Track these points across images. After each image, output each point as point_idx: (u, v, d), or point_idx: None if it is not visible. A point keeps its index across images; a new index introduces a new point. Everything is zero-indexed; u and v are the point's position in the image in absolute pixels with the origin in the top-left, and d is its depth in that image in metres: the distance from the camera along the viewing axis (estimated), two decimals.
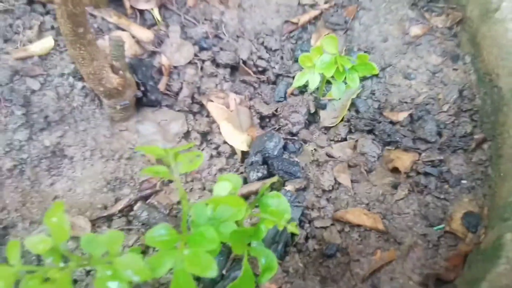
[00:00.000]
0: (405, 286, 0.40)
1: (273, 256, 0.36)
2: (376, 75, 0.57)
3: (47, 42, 0.55)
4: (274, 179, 0.41)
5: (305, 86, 0.56)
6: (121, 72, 0.51)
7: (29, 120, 0.51)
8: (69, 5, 0.41)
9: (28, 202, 0.48)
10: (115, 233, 0.29)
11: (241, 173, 0.52)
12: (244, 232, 0.34)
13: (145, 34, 0.58)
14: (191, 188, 0.50)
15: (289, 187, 0.49)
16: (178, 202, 0.49)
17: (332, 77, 0.47)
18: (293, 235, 0.45)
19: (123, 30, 0.58)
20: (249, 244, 0.36)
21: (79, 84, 0.54)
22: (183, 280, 0.29)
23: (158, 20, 0.60)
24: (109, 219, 0.47)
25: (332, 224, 0.46)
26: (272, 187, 0.42)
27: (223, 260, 0.43)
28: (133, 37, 0.58)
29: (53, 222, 0.29)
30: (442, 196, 0.46)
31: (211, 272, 0.29)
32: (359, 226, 0.45)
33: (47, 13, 0.57)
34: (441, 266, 0.40)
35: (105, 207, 0.48)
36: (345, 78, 0.47)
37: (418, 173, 0.47)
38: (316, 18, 0.62)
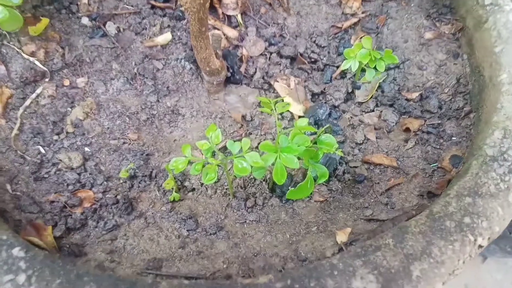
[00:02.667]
0: (408, 197, 0.63)
1: (325, 169, 0.59)
2: (398, 66, 0.79)
3: (166, 36, 0.80)
4: (327, 126, 0.65)
5: (345, 73, 0.80)
6: (220, 58, 0.76)
7: (156, 89, 0.76)
8: (200, 12, 0.65)
9: (158, 142, 0.73)
10: (245, 139, 0.53)
11: None
12: (310, 151, 0.57)
13: (232, 33, 0.83)
14: (265, 139, 0.74)
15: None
16: (256, 146, 0.73)
17: (366, 65, 0.71)
18: (334, 170, 0.69)
19: (217, 29, 0.82)
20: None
21: (188, 66, 0.78)
22: (280, 169, 0.53)
23: (240, 23, 0.84)
24: (212, 154, 0.72)
25: (361, 164, 0.69)
26: (324, 132, 0.65)
27: (289, 181, 0.67)
28: (224, 34, 0.82)
29: (211, 134, 0.54)
30: (438, 147, 0.68)
31: (296, 164, 0.53)
32: (380, 165, 0.68)
33: (165, 15, 0.83)
34: (433, 187, 0.63)
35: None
36: (376, 66, 0.70)
37: (423, 132, 0.70)
38: (355, 24, 0.85)
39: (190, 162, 0.55)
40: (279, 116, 0.76)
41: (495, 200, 0.53)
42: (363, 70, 0.75)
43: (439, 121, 0.70)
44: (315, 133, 0.73)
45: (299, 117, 0.76)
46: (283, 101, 0.59)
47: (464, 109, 0.71)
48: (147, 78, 0.76)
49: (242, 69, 0.81)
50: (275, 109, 0.57)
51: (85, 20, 0.79)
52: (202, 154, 0.56)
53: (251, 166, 0.52)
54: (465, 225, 0.51)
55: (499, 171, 0.56)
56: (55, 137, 0.69)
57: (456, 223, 0.51)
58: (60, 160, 0.66)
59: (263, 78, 0.80)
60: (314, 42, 0.84)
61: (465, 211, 0.52)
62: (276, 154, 0.53)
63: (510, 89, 0.63)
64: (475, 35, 0.74)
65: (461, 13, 0.78)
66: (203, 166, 0.53)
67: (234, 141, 0.54)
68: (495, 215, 0.52)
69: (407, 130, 0.71)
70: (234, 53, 0.81)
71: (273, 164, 0.53)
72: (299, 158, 0.56)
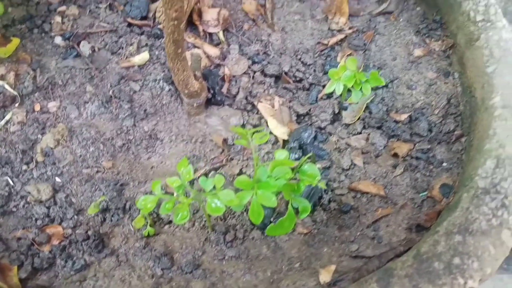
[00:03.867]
0: (396, 230, 0.59)
1: (308, 203, 0.56)
2: (386, 85, 0.76)
3: (144, 56, 0.77)
4: (310, 155, 0.61)
5: (332, 93, 0.76)
6: (200, 79, 0.72)
7: (133, 112, 0.72)
8: (175, 34, 0.62)
9: (134, 169, 0.69)
10: (219, 176, 0.50)
11: None
12: (291, 185, 0.54)
13: (213, 51, 0.80)
14: (247, 165, 0.71)
15: (318, 165, 0.69)
16: (238, 173, 0.70)
17: (352, 86, 0.67)
18: (319, 199, 0.65)
19: (198, 48, 0.79)
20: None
21: (167, 87, 0.75)
22: (257, 208, 0.50)
23: (222, 41, 0.81)
24: (191, 182, 0.68)
25: (348, 192, 0.66)
26: (307, 161, 0.62)
27: (271, 212, 0.64)
28: (205, 53, 0.79)
29: (182, 170, 0.50)
30: (427, 174, 0.65)
31: (273, 203, 0.49)
32: (367, 193, 0.65)
33: (142, 33, 0.79)
34: (422, 219, 0.59)
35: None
36: (361, 87, 0.66)
37: (412, 157, 0.66)
38: (341, 40, 0.82)
39: (160, 200, 0.51)
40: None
41: (486, 238, 0.50)
42: (349, 90, 0.72)
43: (429, 146, 0.67)
44: (300, 158, 0.70)
45: (284, 140, 0.73)
46: (269, 124, 0.55)
47: (455, 132, 0.68)
48: (123, 100, 0.73)
49: (224, 89, 0.77)
50: (253, 141, 0.53)
51: (58, 40, 0.76)
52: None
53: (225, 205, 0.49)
54: (455, 266, 0.48)
55: (491, 205, 0.52)
56: (24, 167, 0.65)
57: (445, 264, 0.48)
58: (29, 192, 0.63)
59: (246, 98, 0.77)
60: (300, 59, 0.80)
61: (455, 251, 0.49)
62: (252, 192, 0.50)
63: (504, 113, 0.60)
64: (467, 53, 0.71)
65: (452, 29, 0.75)
66: (174, 204, 0.50)
67: (207, 177, 0.51)
68: (487, 255, 0.49)
69: (396, 155, 0.67)
70: (216, 73, 0.78)
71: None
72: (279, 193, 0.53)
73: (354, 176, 0.67)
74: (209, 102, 0.76)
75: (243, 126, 0.75)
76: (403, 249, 0.55)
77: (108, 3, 0.80)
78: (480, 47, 0.68)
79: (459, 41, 0.73)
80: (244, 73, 0.80)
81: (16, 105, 0.70)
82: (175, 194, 0.52)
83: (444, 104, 0.71)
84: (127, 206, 0.63)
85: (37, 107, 0.70)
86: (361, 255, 0.56)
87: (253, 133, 0.53)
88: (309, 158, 0.58)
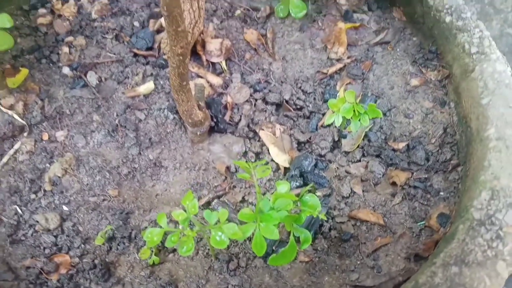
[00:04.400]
0: (395, 259, 0.61)
1: (309, 234, 0.57)
2: (384, 114, 0.78)
3: (149, 85, 0.79)
4: (310, 186, 0.63)
5: (331, 122, 0.79)
6: (204, 109, 0.75)
7: (138, 141, 0.75)
8: (180, 68, 0.64)
9: (139, 197, 0.71)
10: (223, 210, 0.52)
11: None
12: (292, 217, 0.56)
13: (216, 80, 0.82)
14: (249, 192, 0.73)
15: (318, 193, 0.71)
16: (241, 201, 0.71)
17: (351, 117, 0.70)
18: (320, 226, 0.67)
19: (201, 77, 0.82)
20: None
21: (171, 116, 0.77)
22: (260, 240, 0.52)
23: (225, 70, 0.84)
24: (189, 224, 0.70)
25: (348, 220, 0.68)
26: (308, 191, 0.64)
27: (273, 241, 0.66)
28: (208, 82, 0.82)
29: (187, 204, 0.52)
30: (425, 203, 0.67)
31: (275, 236, 0.51)
32: (366, 221, 0.67)
33: (147, 63, 0.82)
34: (420, 248, 0.61)
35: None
36: (360, 118, 0.69)
37: (410, 186, 0.68)
38: (340, 69, 0.84)
39: (166, 233, 0.53)
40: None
41: (482, 270, 0.52)
42: (348, 119, 0.74)
43: (426, 175, 0.69)
44: (301, 186, 0.72)
45: (285, 168, 0.75)
46: (269, 156, 0.57)
47: (452, 161, 0.70)
48: (129, 129, 0.75)
49: (227, 117, 0.80)
50: (255, 174, 0.55)
51: (66, 70, 0.79)
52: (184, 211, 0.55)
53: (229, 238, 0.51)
54: None
55: (486, 237, 0.54)
56: (33, 196, 0.67)
57: None
58: (37, 221, 0.64)
59: (248, 126, 0.79)
60: (300, 88, 0.83)
61: (452, 282, 0.51)
62: (255, 225, 0.52)
63: (498, 145, 0.62)
64: (462, 83, 0.73)
65: (448, 59, 0.78)
66: (179, 237, 0.52)
67: (212, 210, 0.53)
68: (482, 286, 0.51)
69: (394, 183, 0.69)
70: (219, 101, 0.80)
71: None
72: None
73: (354, 204, 0.69)
74: (212, 130, 0.79)
75: (245, 153, 0.77)
76: (402, 279, 0.57)
77: (114, 34, 0.83)
78: (475, 79, 0.71)
79: (455, 72, 0.76)
80: (246, 101, 0.82)
81: (25, 134, 0.72)
82: (180, 226, 0.54)
83: (440, 134, 0.74)
84: (133, 235, 0.65)
85: (45, 137, 0.72)
86: (361, 285, 0.58)
87: (256, 166, 0.55)
88: (310, 189, 0.60)
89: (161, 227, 0.53)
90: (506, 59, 0.74)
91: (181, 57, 0.61)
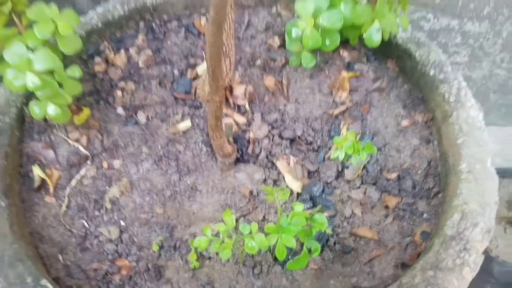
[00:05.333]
0: (386, 267, 0.77)
1: (318, 245, 0.74)
2: (380, 149, 0.96)
3: (187, 123, 0.98)
4: (319, 207, 0.80)
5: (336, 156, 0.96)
6: (232, 143, 0.93)
7: (178, 169, 0.92)
8: (217, 112, 0.83)
9: (180, 215, 0.88)
10: (254, 224, 0.69)
11: None
12: (305, 231, 0.73)
13: (241, 119, 1.00)
14: (268, 212, 0.90)
15: (326, 214, 0.88)
16: (262, 219, 0.88)
17: (352, 153, 0.87)
18: (327, 241, 0.84)
19: (229, 116, 1.00)
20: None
21: (205, 148, 0.95)
22: (281, 248, 0.68)
23: (248, 110, 1.02)
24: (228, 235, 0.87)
25: (349, 236, 0.84)
26: (317, 212, 0.80)
27: (289, 251, 0.82)
28: (235, 121, 1.00)
29: (227, 218, 0.70)
30: (411, 223, 0.83)
31: (293, 244, 0.68)
32: (364, 237, 0.83)
33: (185, 105, 1.01)
34: (406, 258, 0.78)
35: (222, 220, 0.88)
36: (359, 154, 0.86)
37: (399, 209, 0.85)
38: (344, 111, 1.03)
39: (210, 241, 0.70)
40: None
41: (452, 274, 0.68)
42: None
43: (413, 200, 0.86)
44: (311, 207, 0.89)
45: (298, 193, 0.92)
46: (285, 183, 0.75)
47: (434, 189, 0.87)
48: (171, 159, 0.93)
49: (250, 150, 0.98)
50: (277, 197, 0.73)
51: (119, 110, 0.97)
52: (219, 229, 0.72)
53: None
54: None
55: (456, 249, 0.71)
56: (96, 213, 0.84)
57: None
58: (101, 233, 0.82)
59: (267, 157, 0.97)
60: (310, 126, 1.01)
61: (428, 282, 0.67)
62: (278, 235, 0.69)
63: (468, 177, 0.79)
64: (442, 126, 0.91)
65: (431, 105, 0.96)
66: (220, 244, 0.69)
67: (245, 224, 0.70)
68: (451, 286, 0.67)
69: (387, 207, 0.86)
70: (243, 136, 0.98)
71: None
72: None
73: (354, 223, 0.86)
74: (238, 160, 0.96)
75: (264, 180, 0.95)
76: (391, 281, 0.73)
77: (158, 80, 1.02)
78: (452, 123, 0.88)
79: (437, 116, 0.94)
80: (265, 136, 1.00)
81: (88, 162, 0.90)
82: (220, 236, 0.71)
83: (425, 166, 0.91)
84: (177, 245, 0.82)
85: (105, 165, 0.90)
86: (359, 286, 0.74)
87: (277, 190, 0.73)
88: (319, 210, 0.77)
89: (206, 236, 0.70)
90: (480, 104, 0.92)
91: (218, 104, 0.80)
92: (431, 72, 0.95)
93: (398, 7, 0.82)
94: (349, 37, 0.95)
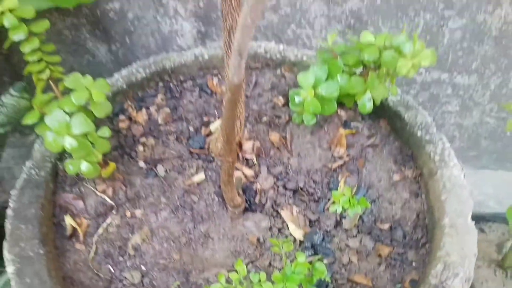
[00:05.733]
0: None
1: None
2: (374, 201, 1.07)
3: (201, 176, 1.10)
4: (319, 257, 0.91)
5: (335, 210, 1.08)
6: (241, 195, 1.04)
7: (193, 218, 1.04)
8: (230, 170, 0.95)
9: (194, 261, 0.99)
10: (263, 273, 0.79)
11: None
12: (307, 279, 0.83)
13: (249, 172, 1.13)
14: (274, 258, 1.00)
15: (325, 261, 0.98)
16: (268, 265, 0.99)
17: (348, 206, 0.99)
18: (326, 286, 0.94)
19: (238, 170, 1.12)
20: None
21: (216, 199, 1.07)
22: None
23: (255, 164, 1.14)
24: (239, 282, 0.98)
25: (347, 282, 0.95)
26: (317, 260, 0.91)
27: None
28: (243, 174, 1.12)
29: (239, 268, 0.80)
30: (401, 271, 0.94)
31: None
32: (360, 283, 0.93)
33: (199, 159, 1.13)
34: None
35: (232, 265, 0.99)
36: (354, 207, 0.98)
37: (391, 258, 0.96)
38: (341, 165, 1.15)
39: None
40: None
41: None
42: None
43: (403, 250, 0.97)
44: (312, 254, 1.00)
45: (300, 241, 1.03)
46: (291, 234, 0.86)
47: (422, 240, 0.98)
48: (186, 209, 1.04)
49: (257, 200, 1.09)
50: (282, 247, 0.84)
51: (141, 163, 1.09)
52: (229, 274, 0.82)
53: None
54: None
55: None
56: (121, 258, 0.95)
57: None
58: (125, 277, 0.92)
59: (272, 206, 1.08)
60: (311, 178, 1.13)
61: None
62: (283, 284, 0.79)
63: (450, 231, 0.90)
64: (429, 182, 1.03)
65: (419, 163, 1.08)
66: None
67: (255, 273, 0.81)
68: None
69: (380, 255, 0.97)
70: (251, 187, 1.10)
71: None
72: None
73: (351, 270, 0.96)
74: (246, 210, 1.08)
75: (270, 228, 1.05)
76: None
77: (175, 136, 1.15)
78: (437, 180, 1.00)
79: (424, 173, 1.06)
80: (271, 187, 1.12)
81: (114, 212, 1.01)
82: (233, 283, 0.81)
83: (414, 218, 1.02)
84: None
85: (128, 214, 1.02)
86: None
87: (283, 243, 0.84)
88: (319, 258, 0.88)
89: (221, 283, 0.80)
90: (461, 163, 1.04)
91: (231, 163, 0.92)
92: (419, 133, 1.08)
93: (387, 79, 0.95)
94: (345, 102, 1.08)
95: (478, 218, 1.56)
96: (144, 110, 1.19)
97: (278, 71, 1.29)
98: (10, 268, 0.84)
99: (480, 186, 2.02)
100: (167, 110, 1.19)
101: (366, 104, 0.96)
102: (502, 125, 1.97)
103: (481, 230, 1.59)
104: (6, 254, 0.86)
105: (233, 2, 0.80)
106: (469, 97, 1.84)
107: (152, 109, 1.19)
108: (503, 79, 1.73)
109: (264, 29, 1.70)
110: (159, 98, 1.21)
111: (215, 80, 1.28)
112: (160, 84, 1.24)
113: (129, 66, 1.21)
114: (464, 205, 0.93)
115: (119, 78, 1.19)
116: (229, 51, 0.85)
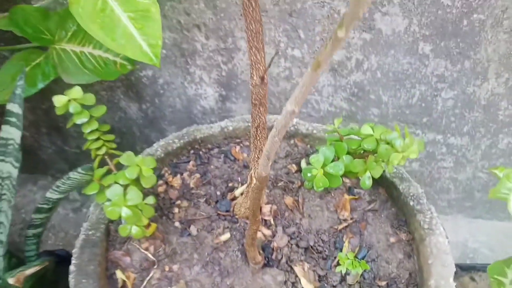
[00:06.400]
0: None
1: None
2: (374, 260, 1.28)
3: (227, 235, 1.31)
4: None
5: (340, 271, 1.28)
6: (261, 253, 1.26)
7: (220, 272, 1.25)
8: (252, 238, 1.16)
9: None
10: None
11: None
12: None
13: (267, 232, 1.34)
14: None
15: None
16: None
17: (351, 267, 1.19)
18: None
19: (259, 231, 1.34)
20: None
21: (240, 256, 1.28)
22: None
23: (272, 224, 1.36)
24: None
25: None
26: None
27: None
28: (263, 233, 1.33)
29: None
30: None
31: None
32: None
33: (225, 220, 1.35)
34: None
35: None
36: (356, 268, 1.18)
37: None
38: (346, 227, 1.36)
39: None
40: None
41: None
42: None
43: None
44: None
45: None
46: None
47: None
48: (214, 264, 1.25)
49: (274, 257, 1.30)
50: None
51: (177, 224, 1.32)
52: None
53: None
54: None
55: None
56: None
57: None
58: None
59: (286, 262, 1.29)
60: (320, 237, 1.34)
61: None
62: None
63: None
64: (419, 246, 1.24)
65: (411, 229, 1.29)
66: None
67: None
68: None
69: None
70: (268, 245, 1.32)
71: None
72: None
73: None
74: (264, 265, 1.29)
75: (285, 282, 1.26)
76: None
77: (205, 199, 1.37)
78: (426, 245, 1.21)
79: (416, 238, 1.27)
80: (286, 246, 1.33)
81: (155, 266, 1.23)
82: None
83: (407, 277, 1.23)
84: None
85: (167, 268, 1.23)
86: None
87: None
88: None
89: None
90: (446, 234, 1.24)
91: (255, 231, 1.14)
92: (411, 203, 1.29)
93: (384, 162, 1.18)
94: (349, 176, 1.31)
95: (470, 268, 1.76)
96: (178, 175, 1.41)
97: (292, 141, 1.53)
98: None
99: (474, 234, 2.22)
100: (198, 175, 1.42)
101: (366, 181, 1.18)
102: (494, 180, 2.19)
103: (472, 279, 1.78)
104: None
105: (260, 108, 1.03)
106: (462, 155, 2.06)
107: (185, 174, 1.42)
108: (493, 141, 1.95)
109: (278, 94, 1.95)
110: (191, 164, 1.45)
111: (238, 148, 1.51)
112: (192, 152, 1.48)
113: (166, 138, 1.45)
114: (447, 269, 1.14)
115: (158, 148, 1.42)
116: (256, 143, 1.08)
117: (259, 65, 0.89)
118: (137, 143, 2.20)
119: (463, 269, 1.73)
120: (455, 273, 1.15)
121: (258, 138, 1.07)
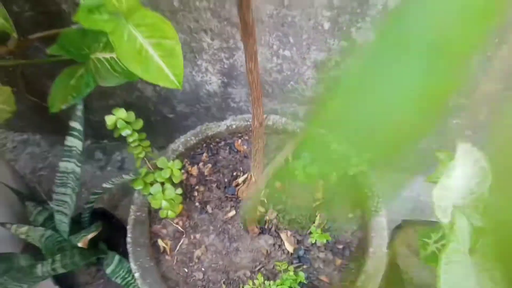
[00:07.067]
0: None
1: None
2: (336, 229, 1.84)
3: (233, 212, 1.85)
4: (301, 268, 1.69)
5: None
6: (257, 226, 1.81)
7: (229, 238, 1.81)
8: (254, 217, 1.70)
9: (230, 265, 1.78)
10: (273, 281, 1.58)
11: None
12: (294, 280, 1.63)
13: (262, 209, 1.88)
14: (275, 265, 1.80)
15: (304, 266, 1.78)
16: (272, 268, 1.78)
17: None
18: (304, 284, 1.74)
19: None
20: None
21: (242, 227, 1.84)
22: None
23: (265, 203, 1.89)
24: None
25: (316, 279, 1.75)
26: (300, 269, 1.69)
27: None
28: (259, 210, 1.87)
29: (259, 277, 1.59)
30: (346, 274, 1.74)
31: None
32: (323, 280, 1.74)
33: (232, 200, 1.88)
34: None
35: (253, 267, 1.78)
36: (322, 238, 1.74)
37: (341, 266, 1.75)
38: (319, 205, 1.90)
39: None
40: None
41: None
42: None
43: (348, 262, 1.77)
44: (299, 261, 1.79)
45: (291, 253, 1.82)
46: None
47: (359, 257, 1.77)
48: (225, 233, 1.81)
49: (266, 226, 1.86)
50: (281, 266, 1.63)
51: (197, 204, 1.84)
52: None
53: None
54: None
55: None
56: (190, 264, 1.73)
57: None
58: (194, 275, 1.71)
59: (275, 230, 1.85)
60: (300, 213, 1.89)
61: None
62: (281, 286, 1.59)
63: (372, 256, 1.69)
64: (368, 222, 1.80)
65: (364, 208, 1.85)
66: None
67: (268, 281, 1.60)
68: None
69: (335, 264, 1.77)
70: (262, 218, 1.87)
71: None
72: None
73: (319, 272, 1.76)
74: (259, 233, 1.84)
75: (273, 244, 1.83)
76: None
77: (216, 185, 1.88)
78: (372, 222, 1.77)
79: (366, 215, 1.83)
80: (275, 218, 1.88)
81: (184, 236, 1.78)
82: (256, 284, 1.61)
83: (357, 243, 1.80)
84: (231, 282, 1.72)
85: (192, 237, 1.78)
86: None
87: (281, 264, 1.62)
88: (298, 268, 1.67)
89: (248, 285, 1.59)
90: None
91: (252, 218, 1.67)
92: (365, 190, 1.83)
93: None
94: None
95: (414, 223, 2.34)
96: (195, 165, 1.91)
97: (281, 137, 2.00)
98: (136, 274, 1.61)
99: (427, 189, 2.80)
100: (210, 165, 1.91)
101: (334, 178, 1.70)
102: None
103: (416, 231, 2.40)
104: (133, 265, 1.63)
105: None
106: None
107: (200, 164, 1.91)
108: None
109: (271, 83, 2.37)
110: (204, 155, 1.93)
111: (239, 141, 1.99)
112: (204, 145, 1.95)
113: (183, 135, 1.91)
114: (383, 241, 1.71)
115: (179, 145, 1.89)
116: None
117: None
118: (151, 116, 2.64)
119: (409, 224, 2.33)
120: (401, 226, 1.72)
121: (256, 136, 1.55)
